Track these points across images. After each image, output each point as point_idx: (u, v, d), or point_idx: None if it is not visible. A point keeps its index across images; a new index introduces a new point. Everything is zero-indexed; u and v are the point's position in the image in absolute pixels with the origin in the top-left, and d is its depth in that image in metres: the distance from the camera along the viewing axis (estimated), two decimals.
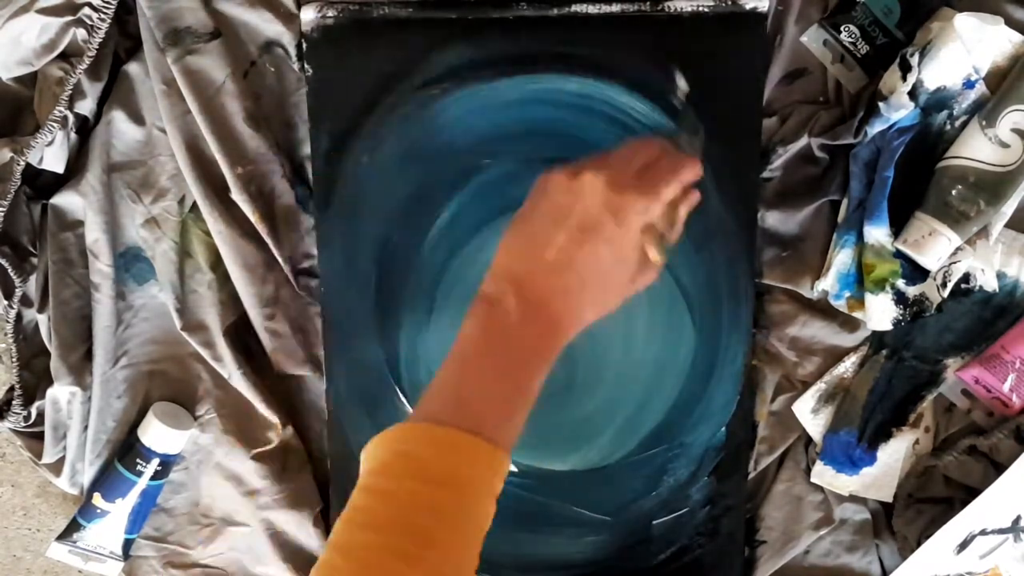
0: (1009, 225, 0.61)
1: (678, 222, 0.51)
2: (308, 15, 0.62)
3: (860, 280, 0.62)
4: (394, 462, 0.44)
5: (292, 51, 0.63)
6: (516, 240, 0.48)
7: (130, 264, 0.66)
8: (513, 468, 0.67)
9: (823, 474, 0.67)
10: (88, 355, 0.66)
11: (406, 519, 0.42)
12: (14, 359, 0.66)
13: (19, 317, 0.66)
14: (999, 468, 0.63)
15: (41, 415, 0.67)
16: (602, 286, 0.47)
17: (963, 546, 0.63)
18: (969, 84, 0.59)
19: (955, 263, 0.60)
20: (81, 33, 0.60)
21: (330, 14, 0.62)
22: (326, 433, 0.69)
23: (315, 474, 0.69)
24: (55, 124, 0.62)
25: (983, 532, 0.63)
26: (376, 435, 0.45)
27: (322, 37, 0.62)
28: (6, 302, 0.64)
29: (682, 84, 0.59)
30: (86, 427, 0.67)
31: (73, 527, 0.67)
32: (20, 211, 0.65)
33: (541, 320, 0.46)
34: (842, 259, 0.62)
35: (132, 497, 0.67)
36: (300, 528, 0.69)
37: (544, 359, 0.47)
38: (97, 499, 0.67)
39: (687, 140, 0.54)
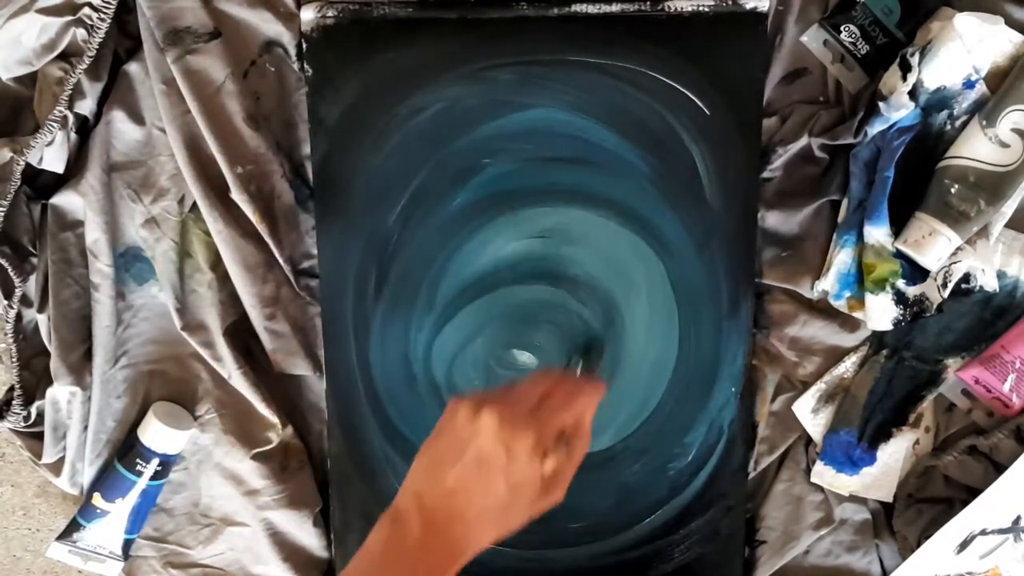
0: (1009, 225, 0.61)
1: (582, 434, 0.54)
2: (308, 15, 0.62)
3: (860, 280, 0.62)
4: None
5: (292, 51, 0.63)
6: (423, 463, 0.51)
7: (130, 264, 0.66)
8: None
9: (823, 474, 0.66)
10: (88, 355, 0.66)
11: None
12: (14, 359, 0.66)
13: (19, 317, 0.66)
14: (999, 468, 0.63)
15: (41, 415, 0.67)
16: (499, 512, 0.50)
17: (963, 546, 0.63)
18: (969, 84, 0.59)
19: (955, 263, 0.60)
20: (81, 33, 0.60)
21: (330, 14, 0.62)
22: (326, 433, 0.69)
23: (315, 474, 0.70)
24: (55, 124, 0.61)
25: (983, 532, 0.63)
26: None
27: (322, 37, 0.62)
28: (6, 302, 0.64)
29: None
30: (86, 427, 0.67)
31: (73, 527, 0.67)
32: (20, 211, 0.65)
33: (440, 542, 0.49)
34: (842, 259, 0.62)
35: (132, 497, 0.67)
36: (300, 528, 0.69)
37: None
38: (97, 499, 0.67)
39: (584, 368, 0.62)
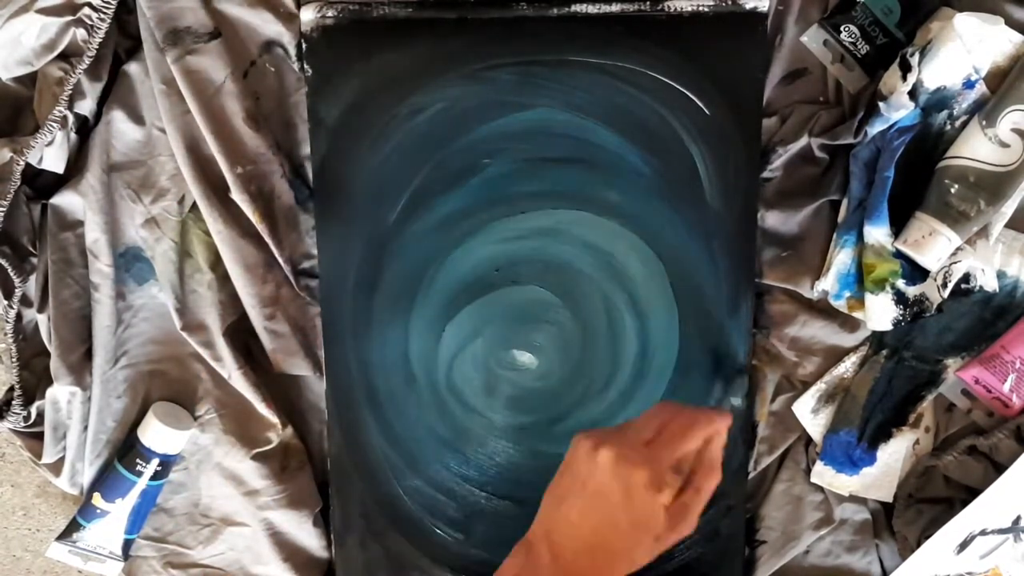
0: (1009, 225, 0.61)
1: (706, 464, 0.53)
2: (308, 15, 0.62)
3: (860, 280, 0.62)
4: None
5: (292, 51, 0.63)
6: (550, 497, 0.53)
7: (130, 264, 0.66)
8: (511, 448, 0.67)
9: (823, 474, 0.66)
10: (88, 355, 0.66)
11: None
12: (14, 359, 0.66)
13: (19, 317, 0.66)
14: (999, 468, 0.63)
15: (41, 415, 0.67)
16: (624, 546, 0.51)
17: (963, 546, 0.63)
18: (969, 84, 0.59)
19: (955, 263, 0.60)
20: (81, 33, 0.60)
21: (330, 14, 0.62)
22: (326, 433, 0.69)
23: (315, 474, 0.70)
24: (55, 124, 0.61)
25: (983, 532, 0.63)
26: None
27: (322, 37, 0.62)
28: (6, 302, 0.64)
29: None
30: (86, 427, 0.67)
31: (73, 527, 0.67)
32: (20, 211, 0.65)
33: (568, 572, 0.51)
34: (842, 259, 0.62)
35: (132, 497, 0.67)
36: (300, 528, 0.69)
37: None
38: (97, 499, 0.67)
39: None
